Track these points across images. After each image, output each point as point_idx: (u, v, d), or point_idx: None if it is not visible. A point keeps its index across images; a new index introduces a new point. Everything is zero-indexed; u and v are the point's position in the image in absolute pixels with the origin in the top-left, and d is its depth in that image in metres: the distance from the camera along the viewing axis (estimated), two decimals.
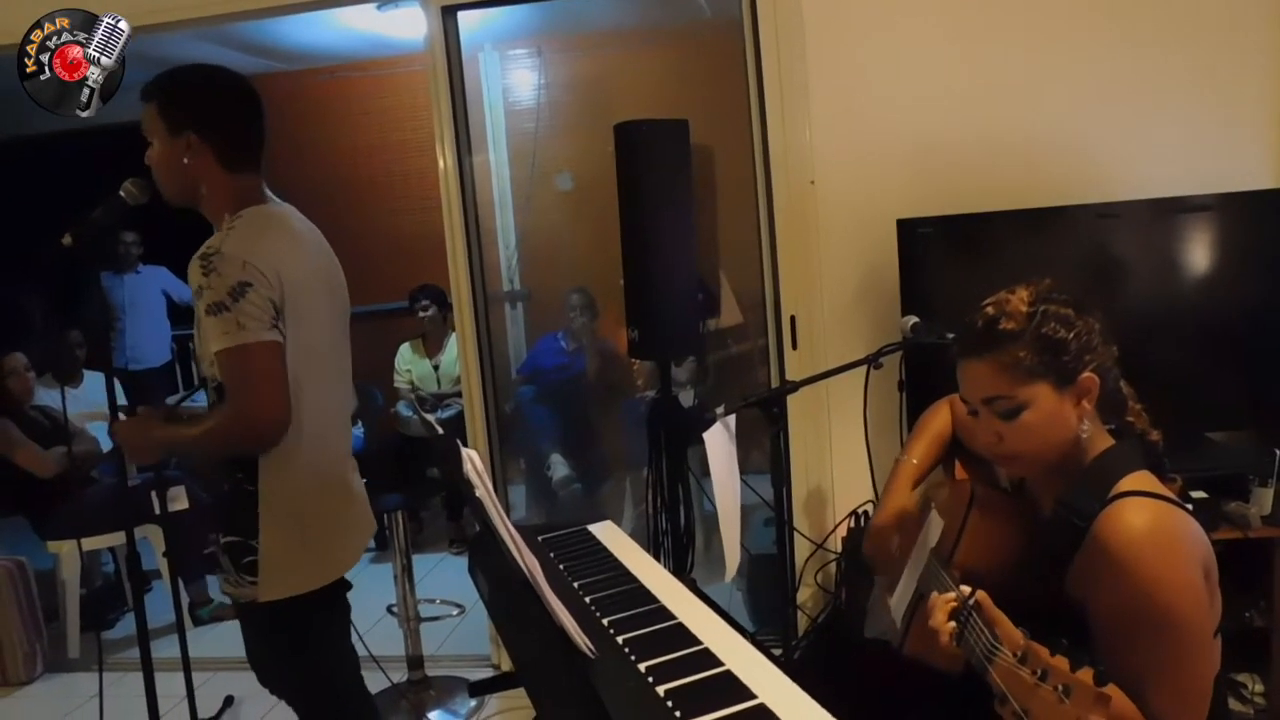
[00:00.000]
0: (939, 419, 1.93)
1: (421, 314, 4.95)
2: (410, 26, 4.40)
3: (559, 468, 4.24)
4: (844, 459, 3.03)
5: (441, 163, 3.23)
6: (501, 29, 4.59)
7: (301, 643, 2.01)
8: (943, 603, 1.35)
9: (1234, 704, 2.59)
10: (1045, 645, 1.13)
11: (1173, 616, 1.27)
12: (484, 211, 3.88)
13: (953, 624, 1.32)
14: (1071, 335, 1.43)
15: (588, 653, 1.30)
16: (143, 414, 2.02)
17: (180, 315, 5.79)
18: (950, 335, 2.15)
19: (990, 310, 1.48)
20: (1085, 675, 1.06)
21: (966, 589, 1.31)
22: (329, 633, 2.09)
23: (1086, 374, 1.43)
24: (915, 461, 1.89)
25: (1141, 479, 1.39)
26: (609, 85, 4.56)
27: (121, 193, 2.04)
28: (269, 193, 2.03)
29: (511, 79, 4.74)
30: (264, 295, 1.79)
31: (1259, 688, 2.60)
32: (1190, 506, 1.39)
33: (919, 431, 1.94)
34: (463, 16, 3.23)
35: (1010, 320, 1.44)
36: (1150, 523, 1.31)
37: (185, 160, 1.90)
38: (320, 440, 1.97)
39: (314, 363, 1.93)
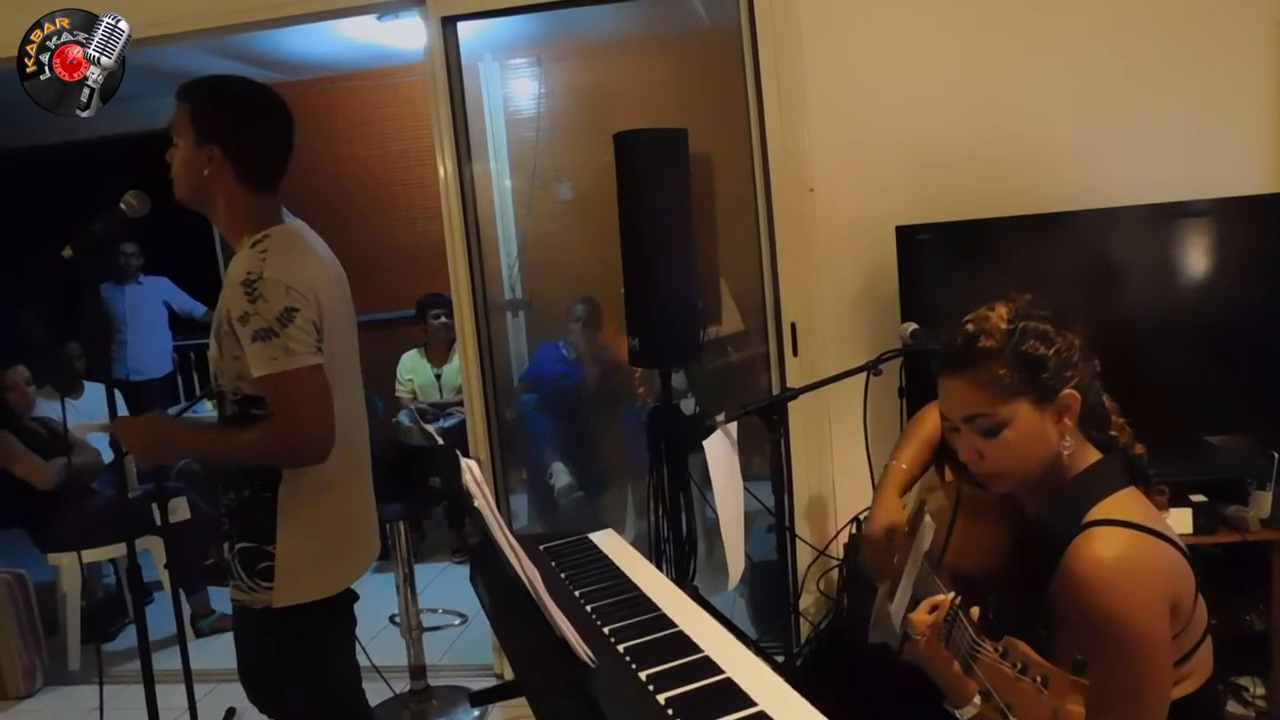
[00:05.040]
0: (929, 422, 1.93)
1: (442, 320, 4.93)
2: (410, 37, 4.41)
3: (561, 476, 4.24)
4: (845, 465, 3.03)
5: (441, 172, 3.24)
6: (501, 38, 4.60)
7: (307, 651, 2.01)
8: (925, 605, 1.37)
9: (1235, 707, 2.58)
10: (1026, 638, 1.15)
11: (1129, 652, 1.29)
12: (485, 220, 3.89)
13: (933, 619, 1.34)
14: (1051, 352, 1.42)
15: (588, 661, 1.30)
16: (155, 416, 2.01)
17: (181, 326, 5.80)
18: None
19: (970, 327, 1.48)
20: (1063, 665, 1.08)
21: (950, 594, 1.33)
22: (334, 643, 2.10)
23: (1067, 391, 1.43)
24: (905, 466, 1.89)
25: (1122, 501, 1.40)
26: (609, 94, 4.56)
27: (122, 205, 2.04)
28: (285, 211, 2.03)
29: (511, 88, 4.75)
30: (308, 318, 1.83)
31: (1260, 690, 2.60)
32: (1170, 534, 1.38)
33: (909, 435, 1.93)
34: (463, 26, 3.24)
35: (989, 338, 1.44)
36: (1116, 556, 1.31)
37: (205, 172, 1.90)
38: (342, 450, 1.96)
39: (339, 376, 1.95)
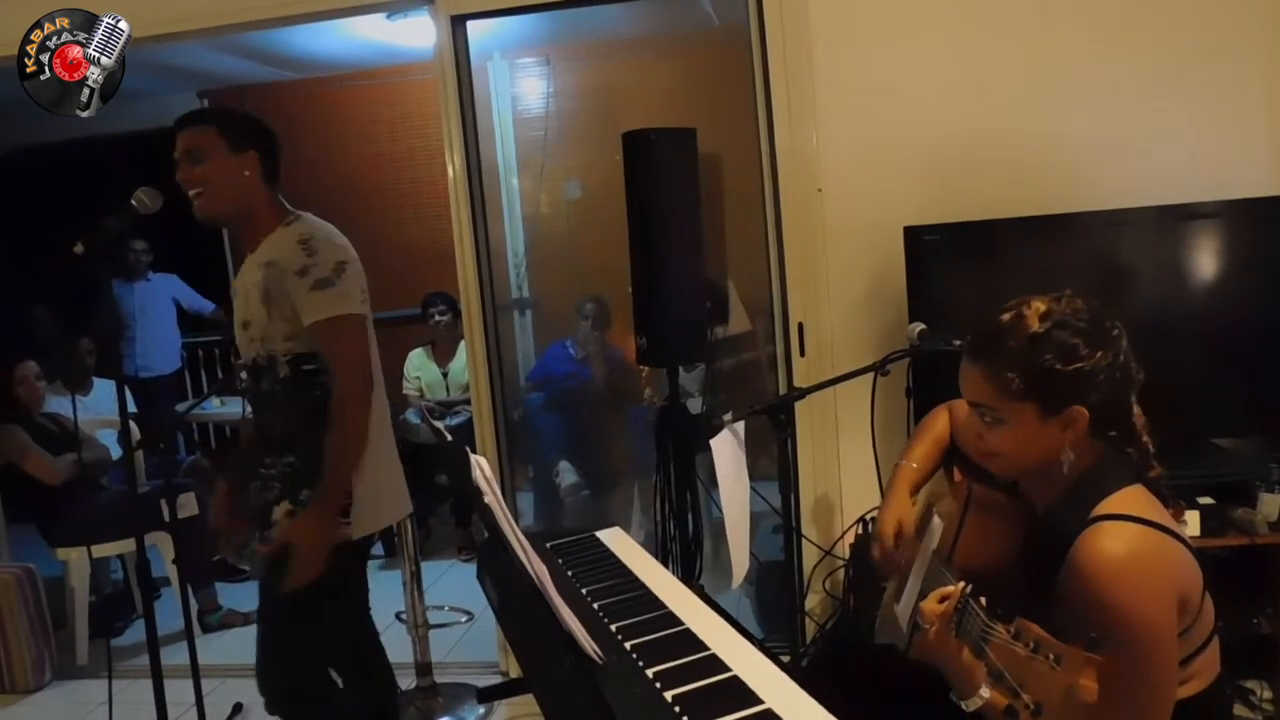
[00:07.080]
0: (939, 424, 1.94)
1: (437, 319, 4.94)
2: (420, 35, 4.42)
3: (567, 475, 4.25)
4: (852, 465, 3.03)
5: (450, 170, 3.25)
6: (510, 38, 4.60)
7: (359, 584, 2.34)
8: (935, 595, 1.37)
9: (1242, 710, 2.58)
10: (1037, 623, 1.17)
11: (1136, 646, 1.28)
12: (492, 219, 3.89)
13: (943, 608, 1.34)
14: (1069, 369, 1.40)
15: (596, 658, 1.30)
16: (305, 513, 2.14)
17: (190, 323, 5.81)
18: (957, 342, 2.16)
19: (1005, 319, 1.47)
20: (1077, 643, 1.10)
21: (961, 584, 1.34)
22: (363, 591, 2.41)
23: (1077, 407, 1.41)
24: (915, 465, 1.89)
25: (1130, 496, 1.40)
26: (617, 93, 4.57)
27: (133, 201, 2.06)
28: None
29: (520, 87, 4.75)
30: (356, 272, 2.13)
31: (1267, 694, 2.59)
32: (1178, 531, 1.38)
33: (919, 435, 1.95)
34: (472, 25, 3.25)
35: (1015, 337, 1.43)
36: (1124, 551, 1.32)
37: (246, 173, 2.13)
38: (379, 402, 2.24)
39: (372, 334, 2.23)
